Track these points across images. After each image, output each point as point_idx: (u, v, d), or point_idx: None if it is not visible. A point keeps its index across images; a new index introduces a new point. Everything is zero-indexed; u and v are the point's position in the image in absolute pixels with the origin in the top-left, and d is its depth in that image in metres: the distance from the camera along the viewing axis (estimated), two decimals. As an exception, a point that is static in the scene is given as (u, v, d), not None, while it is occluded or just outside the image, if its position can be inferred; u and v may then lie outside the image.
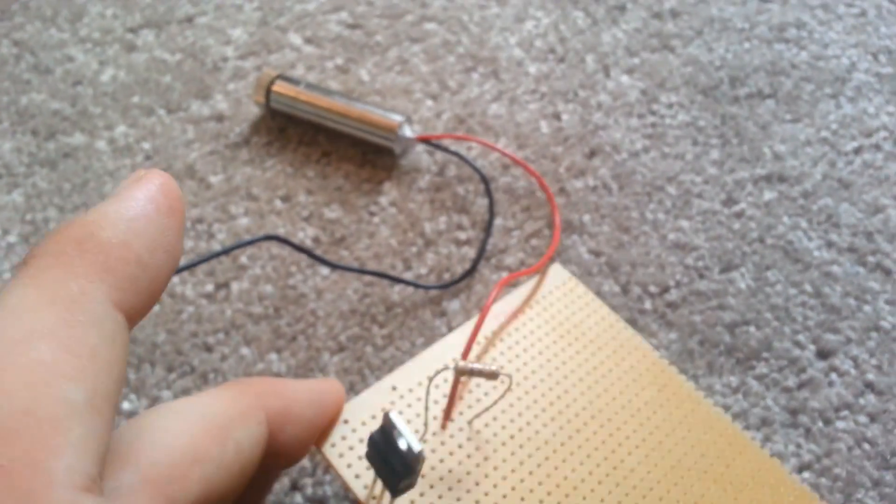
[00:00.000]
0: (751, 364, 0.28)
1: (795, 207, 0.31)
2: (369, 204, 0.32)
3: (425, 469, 0.24)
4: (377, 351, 0.29)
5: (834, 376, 0.28)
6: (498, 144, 0.33)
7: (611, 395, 0.26)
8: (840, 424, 0.27)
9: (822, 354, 0.28)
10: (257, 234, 0.31)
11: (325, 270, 0.31)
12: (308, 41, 0.37)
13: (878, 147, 0.33)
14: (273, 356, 0.29)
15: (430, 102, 0.35)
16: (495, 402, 0.25)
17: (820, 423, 0.27)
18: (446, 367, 0.24)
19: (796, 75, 0.35)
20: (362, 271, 0.29)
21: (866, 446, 0.27)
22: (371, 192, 0.32)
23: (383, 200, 0.32)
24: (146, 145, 0.34)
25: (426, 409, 0.23)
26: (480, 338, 0.27)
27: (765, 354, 0.28)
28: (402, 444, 0.20)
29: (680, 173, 0.32)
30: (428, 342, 0.29)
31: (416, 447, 0.20)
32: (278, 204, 0.32)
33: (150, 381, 0.28)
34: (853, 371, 0.28)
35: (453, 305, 0.30)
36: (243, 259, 0.31)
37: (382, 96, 0.35)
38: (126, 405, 0.28)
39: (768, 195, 0.32)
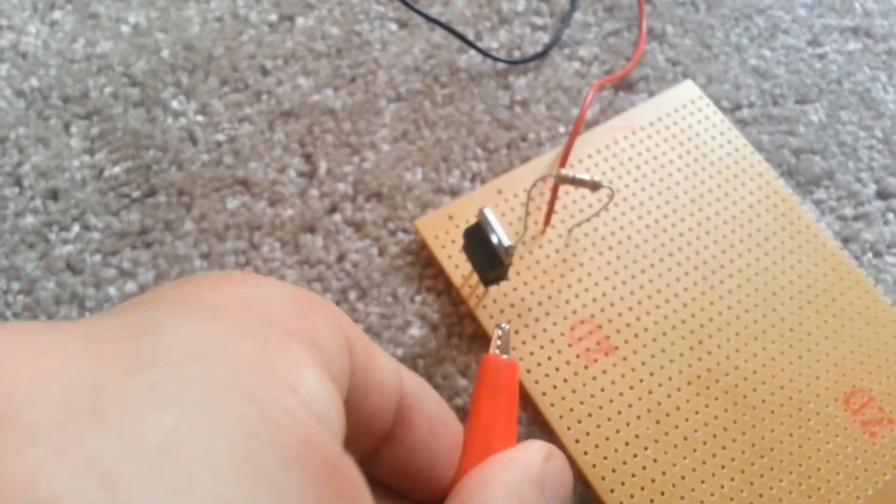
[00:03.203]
0: (810, 189, 0.27)
1: (878, 62, 0.30)
2: (449, -27, 0.30)
3: (521, 267, 0.23)
4: (436, 107, 0.27)
5: (891, 216, 0.27)
6: (590, -56, 0.31)
7: (722, 217, 0.25)
8: (889, 259, 0.26)
9: (882, 195, 0.27)
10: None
11: (393, 26, 0.29)
12: None
13: (974, 24, 0.31)
14: (329, 91, 0.27)
15: None
16: (596, 213, 0.24)
17: (870, 255, 0.26)
18: (548, 175, 0.23)
19: (904, -58, 0.33)
20: (438, 23, 0.27)
21: (909, 287, 0.26)
22: (452, -37, 0.31)
23: (464, -27, 0.30)
24: None
25: (526, 213, 0.23)
26: (594, 149, 0.26)
27: (826, 183, 0.27)
28: (494, 238, 0.21)
29: (770, 7, 0.31)
30: (489, 110, 0.28)
31: (506, 241, 0.20)
32: (356, -45, 0.30)
33: (203, 89, 0.27)
34: (910, 218, 0.27)
35: (520, 82, 0.28)
36: (312, -3, 0.29)
37: None
38: (175, 104, 0.27)
39: (853, 45, 0.30)
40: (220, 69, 0.27)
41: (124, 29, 0.28)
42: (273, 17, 0.29)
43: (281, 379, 0.10)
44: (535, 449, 0.15)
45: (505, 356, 0.18)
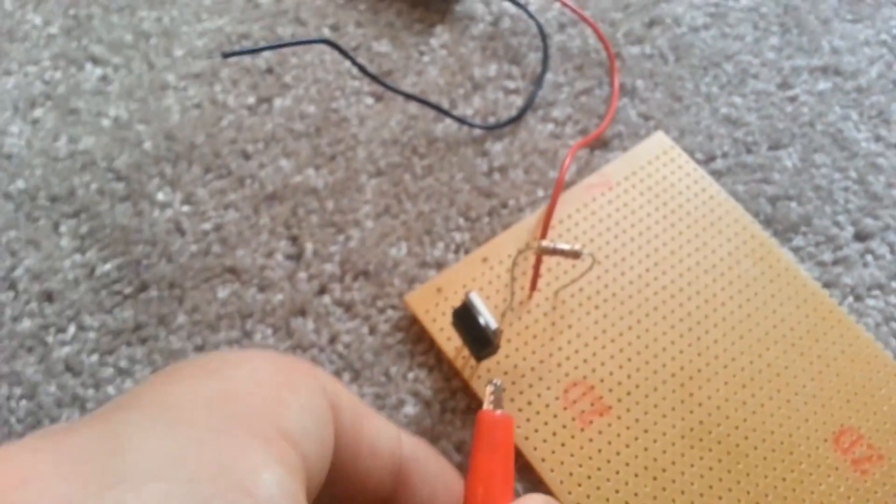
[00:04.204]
0: (788, 236, 0.30)
1: (848, 100, 0.34)
2: (420, 44, 0.34)
3: (511, 333, 0.27)
4: (416, 179, 0.31)
5: (869, 258, 0.30)
6: (555, 3, 0.35)
7: (703, 267, 0.28)
8: (870, 302, 0.29)
9: (860, 237, 0.31)
10: (308, 50, 0.33)
11: (369, 100, 0.32)
12: None
13: (937, 55, 0.35)
14: (311, 171, 0.31)
15: (489, -40, 0.37)
16: (579, 277, 0.27)
17: (850, 299, 0.29)
18: (528, 248, 0.26)
19: (864, -21, 0.37)
20: (412, 97, 0.31)
21: (894, 325, 0.29)
22: (422, 33, 0.34)
23: (434, 42, 0.34)
24: (195, -38, 0.36)
25: (511, 282, 0.26)
26: (573, 209, 0.29)
27: (803, 229, 0.30)
28: (481, 321, 0.24)
29: (738, 53, 0.34)
30: (468, 178, 0.31)
31: (493, 325, 0.23)
32: (326, 32, 0.34)
33: (187, 178, 0.30)
34: (889, 256, 0.30)
35: (496, 147, 0.32)
36: (287, 78, 0.33)
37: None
38: (160, 196, 0.30)
39: (823, 85, 0.34)
40: (203, 157, 0.31)
41: (105, 123, 0.31)
42: (251, 101, 0.32)
43: (238, 485, 0.13)
44: (537, 501, 0.18)
45: (499, 411, 0.21)
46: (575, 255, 0.26)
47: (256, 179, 0.30)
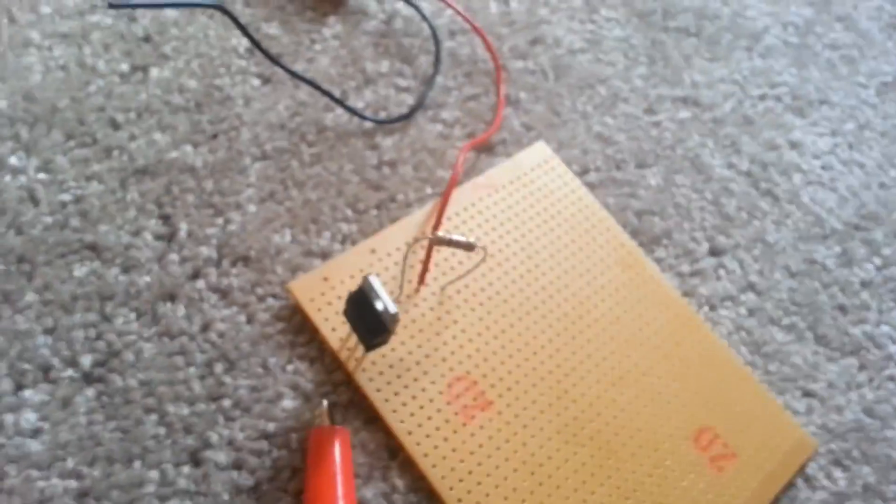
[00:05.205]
0: (651, 248, 0.32)
1: (705, 129, 0.36)
2: (311, 31, 0.32)
3: (398, 326, 0.25)
4: (303, 166, 0.29)
5: (722, 272, 0.32)
6: (447, 10, 0.35)
7: (578, 271, 0.29)
8: (723, 312, 0.31)
9: (714, 252, 0.33)
10: (191, 22, 0.30)
11: (255, 81, 0.30)
12: None
13: (779, 98, 0.39)
14: (188, 148, 0.28)
15: (382, -40, 0.36)
16: (469, 272, 0.27)
17: (706, 308, 0.31)
18: (423, 237, 0.25)
19: (718, 24, 0.40)
20: (306, 80, 0.29)
21: (743, 334, 0.31)
22: (314, 21, 0.33)
23: (326, 32, 0.33)
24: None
25: (402, 273, 0.25)
26: (461, 207, 0.29)
27: (665, 242, 0.32)
28: (379, 306, 0.23)
29: (610, 78, 0.36)
30: (358, 170, 0.30)
31: (392, 309, 0.22)
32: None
33: (45, 144, 0.27)
34: (739, 271, 0.32)
35: (386, 142, 0.31)
36: (166, 49, 0.30)
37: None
38: (13, 160, 0.26)
39: (683, 114, 0.36)
40: (65, 122, 0.27)
41: (-53, 75, 0.27)
42: (124, 67, 0.29)
43: None
44: None
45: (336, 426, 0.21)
46: (469, 246, 0.25)
47: (126, 151, 0.27)
